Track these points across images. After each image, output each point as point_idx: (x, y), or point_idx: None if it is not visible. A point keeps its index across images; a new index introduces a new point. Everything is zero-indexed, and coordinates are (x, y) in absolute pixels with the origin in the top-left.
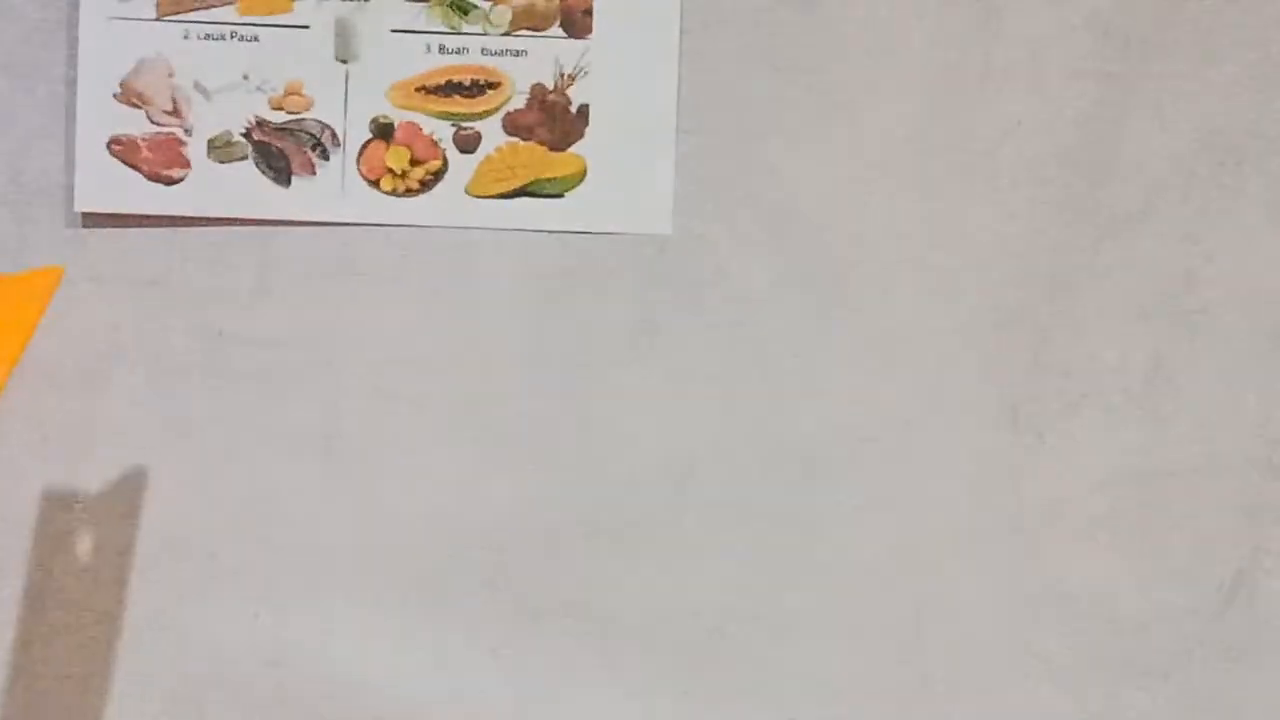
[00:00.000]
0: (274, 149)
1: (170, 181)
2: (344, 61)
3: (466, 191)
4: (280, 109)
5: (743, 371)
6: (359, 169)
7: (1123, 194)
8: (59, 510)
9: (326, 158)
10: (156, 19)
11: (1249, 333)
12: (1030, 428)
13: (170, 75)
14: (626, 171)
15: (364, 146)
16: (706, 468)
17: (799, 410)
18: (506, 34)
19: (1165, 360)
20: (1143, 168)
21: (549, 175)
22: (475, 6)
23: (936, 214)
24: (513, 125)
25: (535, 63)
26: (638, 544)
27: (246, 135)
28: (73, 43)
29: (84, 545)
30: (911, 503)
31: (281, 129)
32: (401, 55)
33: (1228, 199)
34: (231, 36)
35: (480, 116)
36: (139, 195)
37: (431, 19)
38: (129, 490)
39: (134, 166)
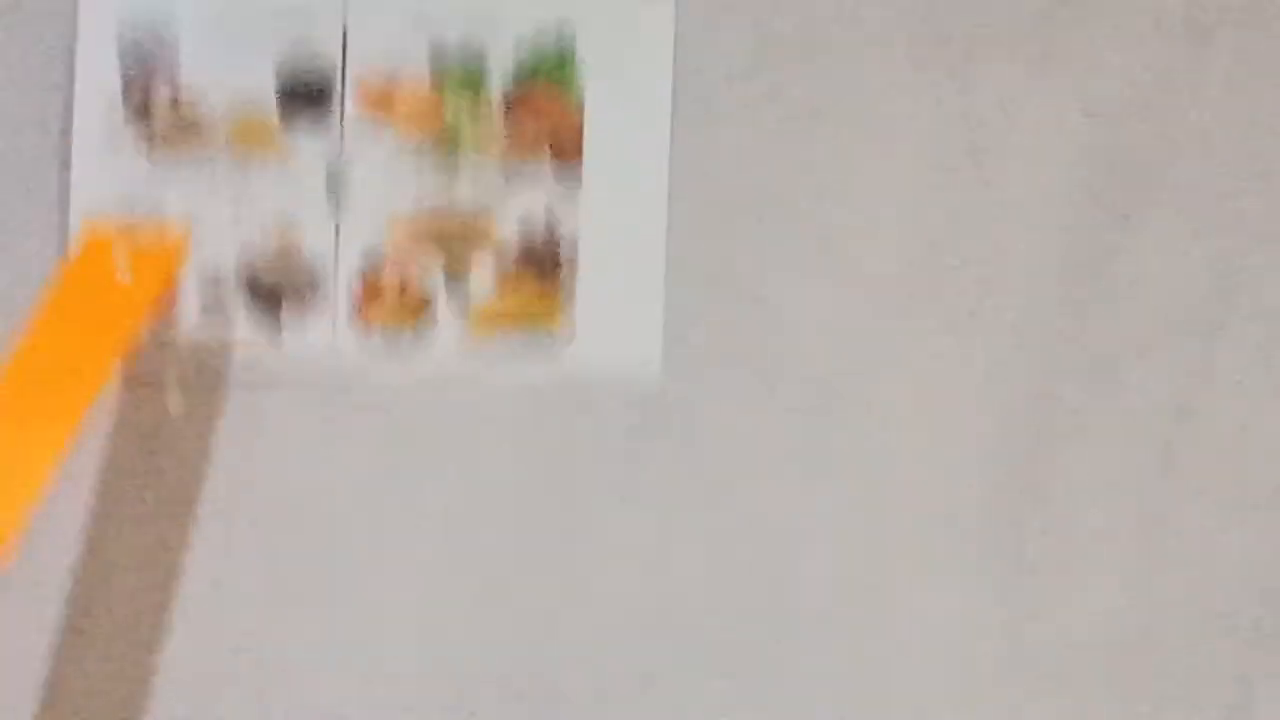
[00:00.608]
0: (264, 288)
1: (161, 319)
2: (335, 201)
3: (455, 333)
4: (271, 248)
5: (731, 522)
6: (350, 309)
7: (1113, 337)
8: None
9: (317, 297)
10: (148, 157)
11: (1239, 485)
12: (1021, 579)
13: (161, 213)
14: (615, 316)
15: (355, 286)
16: (694, 618)
17: (787, 562)
18: (496, 173)
19: (1155, 512)
20: (1133, 311)
21: (538, 319)
22: (466, 148)
23: (926, 359)
24: (503, 268)
25: (525, 205)
26: (625, 695)
27: (237, 274)
28: (64, 181)
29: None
30: (902, 654)
31: (272, 268)
32: (393, 195)
33: (1218, 341)
34: (222, 174)
35: (471, 259)
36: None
37: (423, 159)
38: (125, 631)
39: None
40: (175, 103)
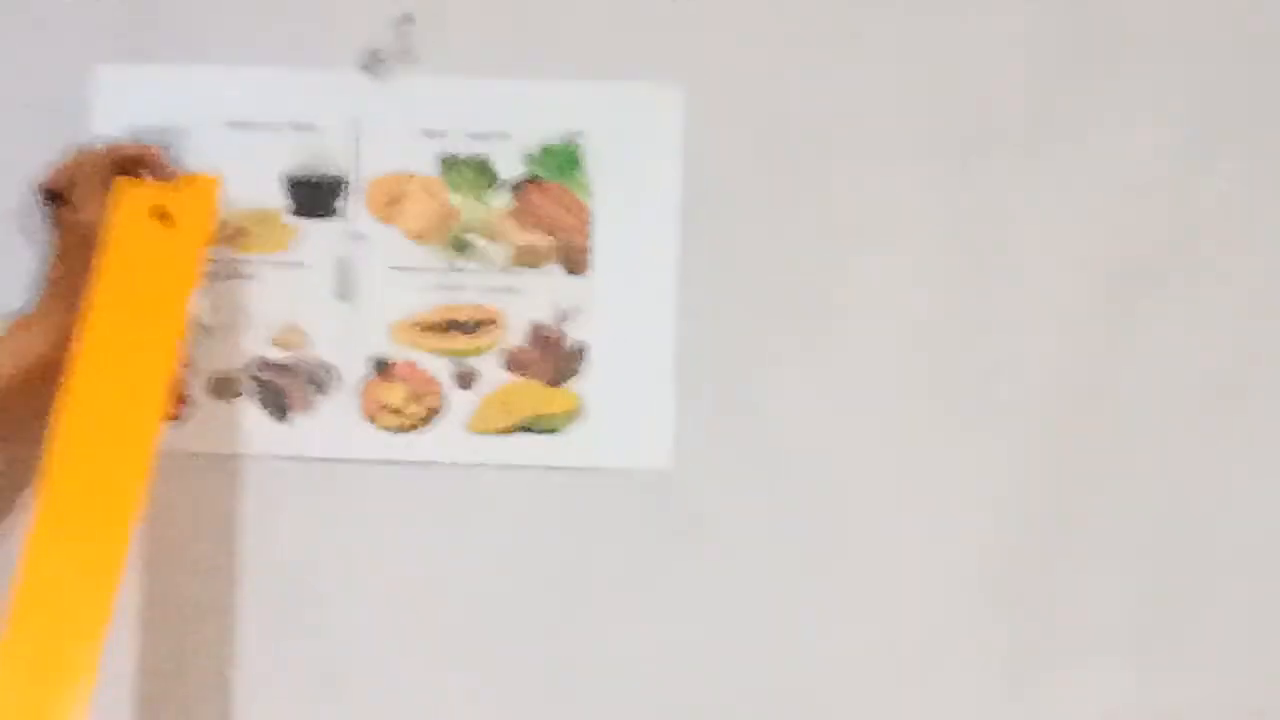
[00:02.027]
0: (274, 386)
1: (171, 418)
2: (344, 299)
3: (465, 428)
4: (280, 346)
5: (736, 610)
6: (358, 406)
7: (1115, 433)
8: None
9: (326, 394)
10: None
11: (1248, 578)
12: (1026, 674)
13: None
14: (625, 408)
15: (363, 383)
16: (700, 705)
17: (791, 650)
18: (505, 271)
19: (1160, 606)
20: (1137, 408)
21: (547, 412)
22: (474, 245)
23: (931, 452)
24: (511, 362)
25: (534, 300)
26: None
27: (247, 372)
28: None
29: None
30: None
31: (281, 366)
32: (401, 293)
33: (1225, 439)
34: (233, 275)
35: (479, 353)
36: None
37: (431, 257)
38: None
39: None
40: None
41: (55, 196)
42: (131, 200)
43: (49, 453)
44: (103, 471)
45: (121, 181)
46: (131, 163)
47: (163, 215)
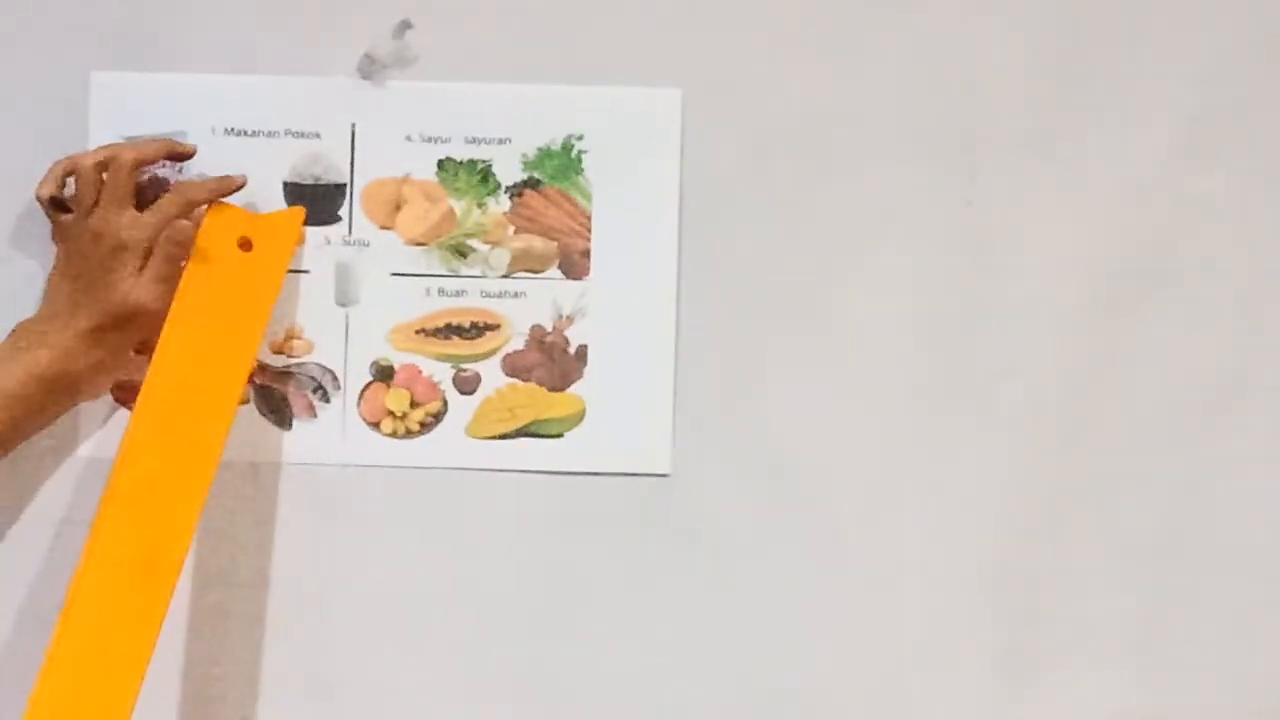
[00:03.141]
0: (275, 392)
1: None
2: (344, 305)
3: (466, 433)
4: (281, 353)
5: (735, 615)
6: (359, 411)
7: (1114, 439)
8: None
9: (327, 400)
10: None
11: (1245, 580)
12: (1023, 675)
13: None
14: (625, 412)
15: (364, 389)
16: (699, 708)
17: (790, 656)
18: (505, 276)
19: (1159, 609)
20: (1137, 410)
21: (548, 416)
22: (474, 250)
23: (930, 457)
24: (512, 367)
25: (534, 305)
26: None
27: (248, 379)
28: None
29: None
30: None
31: (282, 373)
32: (401, 299)
33: (1223, 441)
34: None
35: (479, 358)
36: None
37: (431, 262)
38: None
39: None
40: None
41: (60, 204)
42: (219, 227)
43: (116, 463)
44: (165, 493)
45: (215, 208)
46: (158, 159)
47: (246, 244)
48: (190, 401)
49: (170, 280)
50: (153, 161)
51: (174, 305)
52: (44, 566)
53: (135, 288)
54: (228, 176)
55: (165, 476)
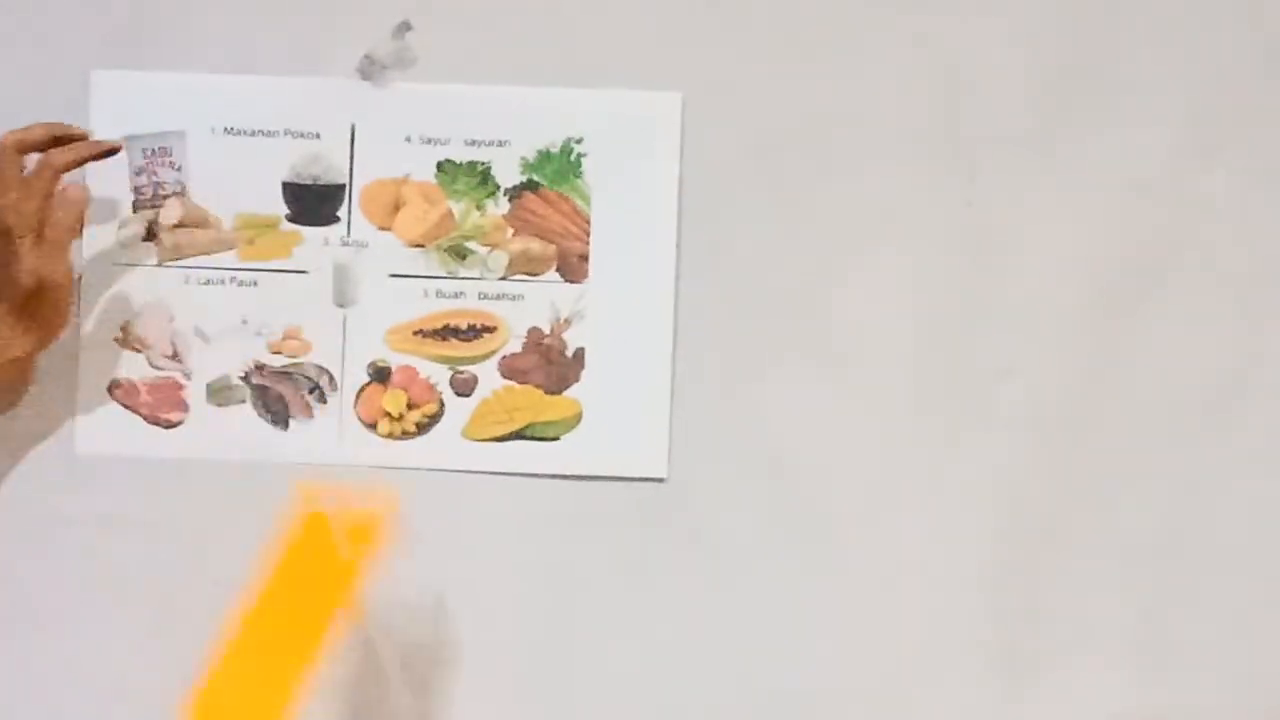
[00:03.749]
0: (272, 393)
1: (169, 425)
2: (342, 306)
3: (462, 435)
4: (279, 353)
5: (733, 618)
6: (356, 412)
7: (1114, 439)
8: None
9: (324, 401)
10: (158, 265)
11: (1245, 580)
12: (1023, 676)
13: (171, 320)
14: (622, 415)
15: (361, 390)
16: (698, 710)
17: (789, 659)
18: (503, 279)
19: (1159, 609)
20: (1134, 413)
21: (545, 419)
22: (473, 252)
23: (928, 459)
24: (509, 369)
25: (532, 307)
26: None
27: (245, 379)
28: (76, 287)
29: None
30: None
31: (280, 373)
32: (399, 300)
33: (1223, 441)
34: (231, 282)
35: (477, 360)
36: (138, 438)
37: (429, 264)
38: None
39: (134, 410)
40: (184, 209)
41: None
42: (311, 516)
43: None
44: None
45: (304, 485)
46: (43, 144)
47: (336, 538)
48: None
49: (67, 247)
50: (37, 147)
51: (253, 597)
52: (44, 566)
53: (35, 264)
54: (99, 140)
55: None
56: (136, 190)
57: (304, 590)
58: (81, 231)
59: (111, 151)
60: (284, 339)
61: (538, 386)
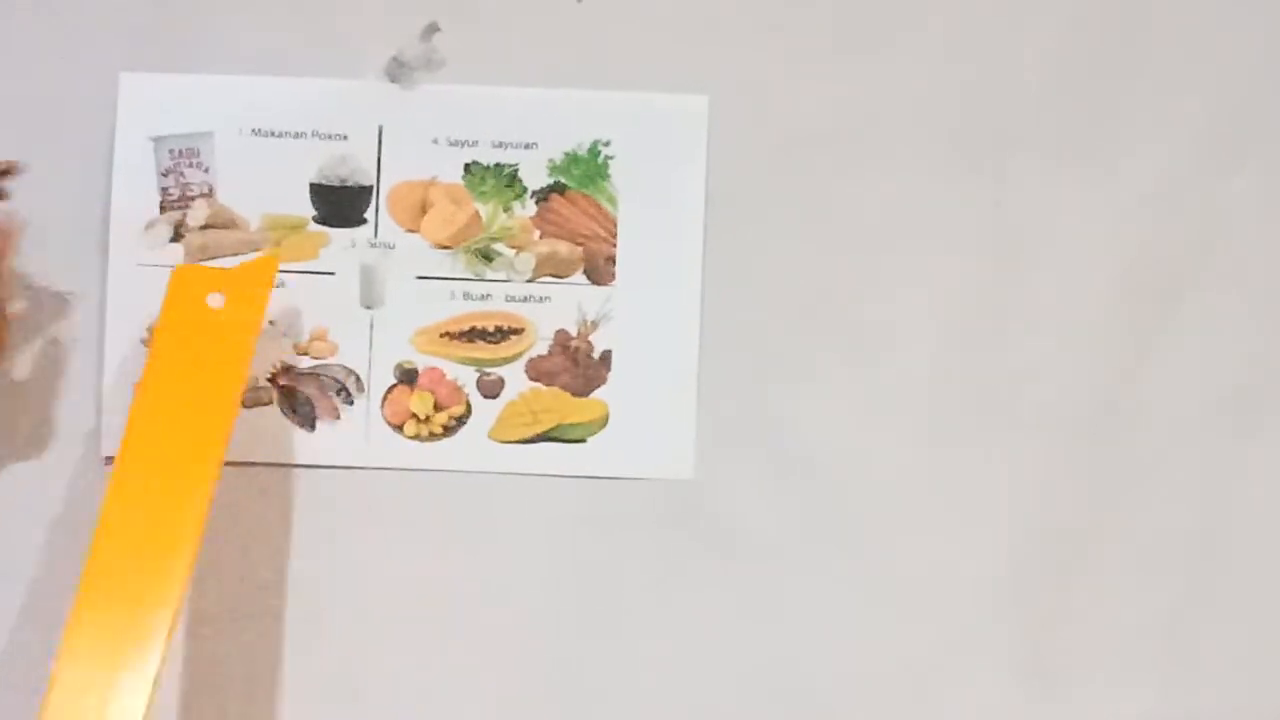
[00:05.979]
0: (299, 394)
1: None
2: (369, 308)
3: (489, 437)
4: (306, 354)
5: (759, 619)
6: (383, 414)
7: (1140, 444)
8: None
9: (351, 403)
10: (184, 262)
11: (1272, 587)
12: (1048, 680)
13: None
14: (649, 417)
15: (388, 391)
16: (722, 711)
17: (815, 659)
18: (530, 281)
19: (1185, 616)
20: (1160, 417)
21: (572, 421)
22: (500, 254)
23: (954, 462)
24: (536, 371)
25: (559, 309)
26: None
27: (272, 380)
28: (103, 290)
29: None
30: None
31: (307, 374)
32: (426, 302)
33: (1250, 445)
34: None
35: (504, 362)
36: None
37: (457, 266)
38: None
39: None
40: (211, 209)
41: None
42: (185, 288)
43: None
44: (147, 563)
45: (178, 270)
46: None
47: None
48: (168, 468)
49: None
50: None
51: (145, 373)
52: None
53: None
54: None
55: (146, 543)
56: (164, 191)
57: (193, 352)
58: (11, 260)
59: (5, 172)
60: (311, 340)
61: (565, 389)
